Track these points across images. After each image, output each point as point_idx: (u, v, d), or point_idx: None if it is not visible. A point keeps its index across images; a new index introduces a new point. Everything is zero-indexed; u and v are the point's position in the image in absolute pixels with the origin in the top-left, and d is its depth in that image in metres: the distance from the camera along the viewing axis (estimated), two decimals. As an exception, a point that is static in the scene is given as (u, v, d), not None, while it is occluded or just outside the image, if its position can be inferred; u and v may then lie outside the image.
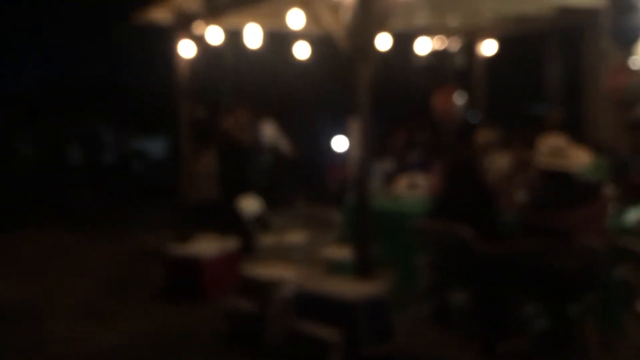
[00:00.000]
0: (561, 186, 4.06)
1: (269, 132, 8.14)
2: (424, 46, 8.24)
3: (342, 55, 4.84)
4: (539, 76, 9.80)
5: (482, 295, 4.38)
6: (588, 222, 3.92)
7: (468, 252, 4.26)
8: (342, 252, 5.30)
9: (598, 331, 4.07)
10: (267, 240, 5.98)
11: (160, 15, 6.94)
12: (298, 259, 5.71)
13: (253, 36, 6.80)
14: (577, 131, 7.76)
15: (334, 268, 5.41)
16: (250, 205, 6.13)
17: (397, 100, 9.20)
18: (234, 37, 7.18)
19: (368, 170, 4.79)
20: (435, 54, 8.34)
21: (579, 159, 4.08)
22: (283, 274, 4.82)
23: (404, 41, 8.62)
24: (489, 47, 8.57)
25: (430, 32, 8.39)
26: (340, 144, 8.35)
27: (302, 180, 7.93)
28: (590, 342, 4.02)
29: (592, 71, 7.80)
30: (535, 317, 4.45)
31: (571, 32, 8.36)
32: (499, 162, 6.12)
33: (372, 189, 6.37)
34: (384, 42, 7.96)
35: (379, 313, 4.27)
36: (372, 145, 8.14)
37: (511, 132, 7.24)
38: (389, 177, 7.37)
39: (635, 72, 6.02)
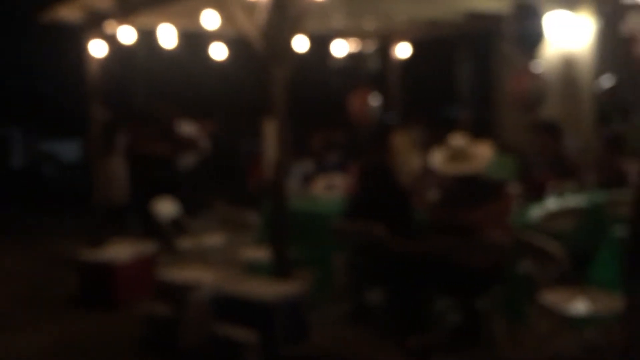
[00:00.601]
0: (467, 185, 4.23)
1: (189, 130, 8.04)
2: (340, 48, 8.36)
3: (257, 56, 4.85)
4: (452, 79, 10.14)
5: (396, 292, 4.49)
6: (493, 219, 4.09)
7: (383, 250, 4.37)
8: (260, 254, 5.31)
9: (504, 323, 4.26)
10: (183, 243, 5.91)
11: (69, 13, 6.72)
12: (216, 261, 5.68)
13: (167, 36, 6.70)
14: (486, 132, 8.09)
15: (252, 269, 5.41)
16: (165, 208, 6.03)
17: (315, 102, 9.28)
18: (147, 37, 7.05)
19: (285, 171, 4.82)
20: (351, 56, 8.48)
21: (480, 158, 4.26)
22: (200, 277, 4.77)
23: (320, 43, 8.72)
24: (403, 50, 8.80)
25: (346, 34, 8.53)
26: (259, 145, 8.34)
27: (221, 181, 7.87)
28: (497, 333, 4.20)
29: (499, 75, 8.14)
30: (447, 312, 4.62)
31: (480, 37, 8.70)
32: (413, 163, 6.30)
33: (290, 190, 6.43)
34: (300, 43, 8.03)
35: (296, 313, 4.30)
36: (289, 147, 8.18)
37: (425, 133, 7.47)
38: (307, 178, 7.43)
39: (537, 76, 6.33)
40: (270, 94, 4.79)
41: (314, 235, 5.44)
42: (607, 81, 7.19)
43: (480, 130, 7.69)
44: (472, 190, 4.24)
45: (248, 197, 6.66)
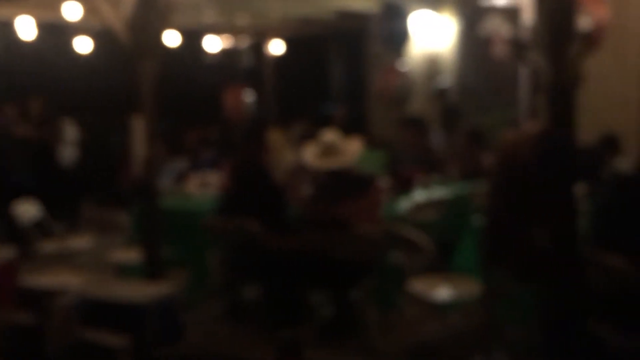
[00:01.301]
0: (337, 180, 4.32)
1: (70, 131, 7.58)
2: (213, 44, 8.25)
3: (124, 50, 4.68)
4: (325, 76, 10.31)
5: (271, 288, 4.50)
6: (364, 213, 4.20)
7: (257, 246, 4.35)
8: (131, 255, 5.13)
9: (377, 312, 4.40)
10: (47, 247, 5.59)
11: None
12: (83, 265, 5.42)
13: (26, 28, 6.30)
14: (358, 128, 8.31)
15: (123, 272, 5.22)
16: (27, 210, 5.67)
17: (189, 98, 9.09)
18: (4, 28, 6.59)
19: (155, 169, 4.69)
20: (224, 53, 8.39)
21: (350, 152, 4.37)
22: (64, 282, 4.53)
23: (193, 38, 8.56)
24: (276, 47, 8.84)
25: (218, 30, 8.43)
26: (128, 142, 8.04)
27: (89, 181, 7.50)
28: (370, 323, 4.33)
29: (369, 73, 8.40)
30: (322, 305, 4.69)
31: (351, 35, 8.91)
32: (288, 159, 6.34)
33: (162, 189, 6.26)
34: (170, 38, 7.84)
35: (170, 314, 4.19)
36: (159, 144, 7.96)
37: (299, 129, 7.54)
38: (181, 176, 7.27)
39: (403, 74, 6.58)
40: (139, 89, 4.63)
41: (188, 234, 5.33)
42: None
43: (353, 126, 7.88)
44: (343, 184, 4.34)
45: (118, 197, 6.41)
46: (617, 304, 2.73)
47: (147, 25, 4.61)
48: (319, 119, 7.65)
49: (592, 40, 5.22)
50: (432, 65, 7.61)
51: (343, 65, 10.11)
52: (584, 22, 5.10)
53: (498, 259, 3.06)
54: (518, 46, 6.30)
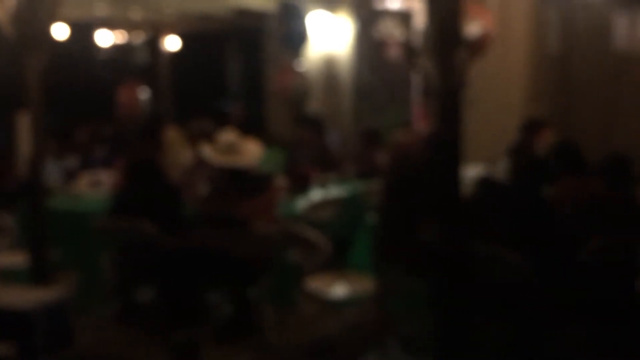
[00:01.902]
0: (235, 179, 4.31)
1: None
2: (105, 38, 7.97)
3: (8, 43, 4.44)
4: (223, 74, 10.23)
5: (167, 289, 4.43)
6: (261, 211, 4.22)
7: (151, 247, 4.27)
8: (16, 259, 4.87)
9: (274, 310, 4.43)
10: None
11: None
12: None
13: None
14: (257, 126, 8.30)
15: (8, 277, 4.95)
16: None
17: (80, 94, 8.73)
18: None
19: (41, 168, 4.48)
20: (118, 48, 8.13)
21: (250, 152, 4.37)
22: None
23: (85, 32, 8.23)
24: (172, 43, 8.66)
25: (112, 24, 8.15)
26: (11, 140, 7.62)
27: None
28: (267, 321, 4.35)
29: (268, 71, 8.41)
30: (219, 304, 4.66)
31: (249, 33, 8.89)
32: (185, 157, 6.24)
33: (51, 188, 5.98)
34: (59, 31, 7.51)
35: (58, 319, 4.03)
36: (49, 141, 7.59)
37: (196, 127, 7.42)
38: (71, 175, 6.98)
39: (300, 74, 6.64)
40: (24, 84, 4.41)
41: (79, 236, 5.14)
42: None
43: (251, 124, 7.87)
44: (241, 183, 4.33)
45: (1, 198, 6.05)
46: (499, 296, 2.90)
47: (33, 18, 4.40)
48: (217, 116, 7.56)
49: (478, 46, 5.49)
50: (329, 66, 7.73)
51: (241, 63, 10.07)
52: (471, 29, 5.35)
53: (390, 256, 3.18)
54: (409, 50, 6.53)
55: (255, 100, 8.71)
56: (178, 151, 6.37)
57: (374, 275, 3.78)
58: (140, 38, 8.27)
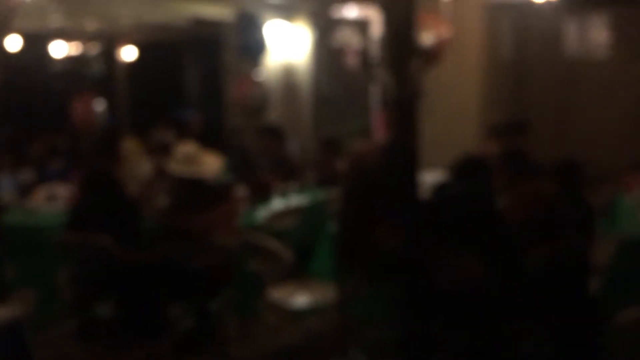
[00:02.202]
0: (193, 190, 4.28)
1: None
2: (59, 50, 7.84)
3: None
4: (182, 83, 10.16)
5: (126, 303, 4.36)
6: (221, 222, 4.20)
7: (110, 261, 4.20)
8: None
9: (236, 322, 4.40)
10: None
11: None
12: None
13: None
14: (216, 136, 8.26)
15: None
16: None
17: (35, 106, 8.56)
18: None
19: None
20: (73, 59, 8.00)
21: (209, 164, 4.35)
22: None
23: (39, 43, 8.09)
24: (129, 53, 8.56)
25: (66, 35, 8.03)
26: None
27: None
28: (229, 333, 4.32)
29: (226, 81, 8.39)
30: (181, 318, 4.61)
31: (208, 43, 8.85)
32: (144, 168, 6.17)
33: (4, 203, 5.85)
34: (12, 42, 7.36)
35: (13, 338, 3.92)
36: (1, 155, 7.39)
37: (155, 138, 7.36)
38: (26, 189, 6.83)
39: (258, 83, 6.64)
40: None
41: (35, 251, 5.03)
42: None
43: (210, 133, 7.83)
44: (199, 194, 4.30)
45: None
46: (457, 301, 2.94)
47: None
48: (176, 126, 7.50)
49: (433, 55, 5.58)
50: (288, 75, 7.75)
51: (199, 73, 10.02)
52: (426, 38, 5.43)
53: (350, 262, 3.20)
54: (367, 59, 6.59)
55: (215, 110, 8.67)
56: (136, 163, 6.29)
57: (335, 282, 3.79)
58: (95, 49, 8.15)
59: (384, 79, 3.29)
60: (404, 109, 3.29)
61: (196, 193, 4.31)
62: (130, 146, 6.74)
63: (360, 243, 3.06)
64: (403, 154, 3.19)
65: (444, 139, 6.47)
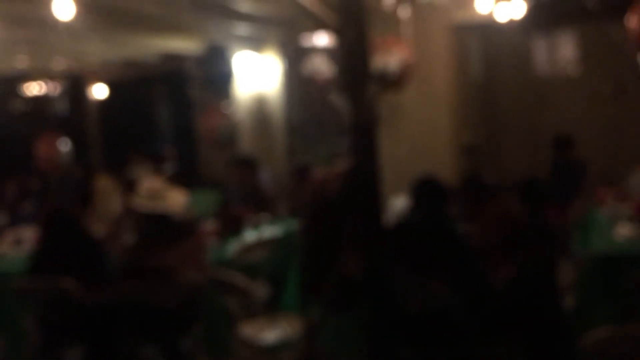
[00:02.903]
0: (158, 226, 4.18)
1: None
2: (27, 90, 7.79)
3: None
4: (152, 118, 10.12)
5: (94, 347, 4.23)
6: (187, 258, 4.09)
7: (73, 304, 4.07)
8: None
9: (210, 359, 4.28)
10: None
11: None
12: None
13: None
14: (188, 168, 8.19)
15: None
16: None
17: (5, 148, 8.45)
18: None
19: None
20: (36, 99, 7.93)
21: (175, 199, 4.26)
22: None
23: (7, 85, 8.02)
24: (98, 91, 8.52)
25: (31, 76, 7.98)
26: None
27: None
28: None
29: (194, 114, 8.35)
30: (152, 359, 4.48)
31: (177, 76, 8.83)
32: (114, 206, 6.06)
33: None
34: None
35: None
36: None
37: (128, 174, 7.26)
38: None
39: (226, 115, 6.59)
40: None
41: (1, 298, 4.89)
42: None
43: (184, 167, 7.76)
44: (165, 230, 4.20)
45: None
46: (424, 325, 2.87)
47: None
48: (151, 160, 7.41)
49: (399, 79, 5.57)
50: (260, 105, 7.72)
51: (170, 107, 9.99)
52: (389, 63, 5.43)
53: (315, 291, 3.11)
54: (329, 86, 6.58)
55: (186, 144, 8.61)
56: (109, 200, 6.18)
57: (302, 313, 3.70)
58: (58, 88, 8.08)
59: (341, 104, 3.24)
60: (362, 134, 3.24)
61: (161, 228, 4.21)
62: (103, 184, 6.63)
63: (323, 271, 2.98)
64: (364, 179, 3.13)
65: (416, 162, 6.44)
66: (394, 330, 2.95)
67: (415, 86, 6.16)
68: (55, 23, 5.23)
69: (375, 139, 3.25)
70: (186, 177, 7.42)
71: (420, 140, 6.67)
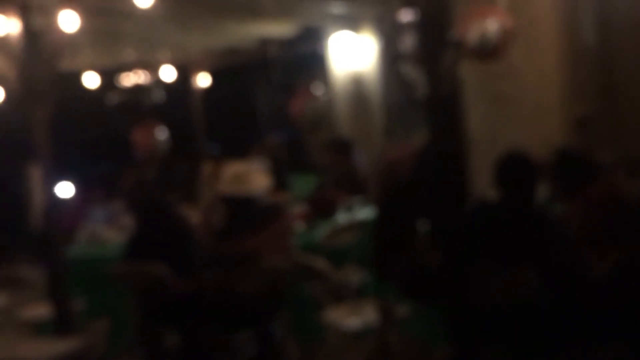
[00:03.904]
0: (242, 210, 4.15)
1: None
2: (131, 81, 8.14)
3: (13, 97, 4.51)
4: (254, 105, 10.24)
5: (187, 332, 4.29)
6: (270, 243, 4.04)
7: (164, 291, 4.15)
8: (41, 311, 4.86)
9: (297, 345, 4.22)
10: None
11: None
12: (0, 326, 5.13)
13: None
14: (295, 154, 8.18)
15: (37, 329, 4.95)
16: None
17: (120, 139, 8.86)
18: None
19: (53, 219, 4.47)
20: (134, 89, 8.23)
21: (257, 182, 4.21)
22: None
23: (114, 77, 8.39)
24: (202, 80, 8.75)
25: (135, 66, 8.28)
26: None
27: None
28: (291, 356, 4.16)
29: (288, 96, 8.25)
30: (244, 344, 4.49)
31: (276, 61, 8.83)
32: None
33: (84, 236, 6.00)
34: (89, 80, 7.69)
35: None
36: (95, 188, 7.61)
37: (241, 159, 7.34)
38: (114, 220, 7.01)
39: (314, 97, 6.46)
40: (32, 136, 4.44)
41: (105, 283, 5.10)
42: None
43: (289, 152, 7.75)
44: (249, 216, 4.17)
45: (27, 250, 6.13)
46: (509, 322, 2.60)
47: (35, 70, 4.44)
48: (252, 148, 7.47)
49: (498, 47, 5.20)
50: (356, 86, 7.54)
51: (270, 93, 10.04)
52: (486, 30, 5.08)
53: (387, 278, 2.92)
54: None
55: (289, 128, 8.61)
56: (212, 188, 6.29)
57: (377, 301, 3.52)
58: (166, 78, 8.33)
59: (415, 76, 3.02)
60: (440, 107, 3.00)
61: (245, 213, 4.18)
62: (212, 170, 6.78)
63: (395, 257, 2.78)
64: (441, 157, 2.90)
65: (523, 139, 6.00)
66: (475, 321, 2.72)
67: (517, 55, 5.72)
68: (156, 15, 5.39)
69: (455, 113, 3.00)
70: (291, 162, 7.43)
71: (524, 114, 6.20)
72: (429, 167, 2.84)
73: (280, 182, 5.46)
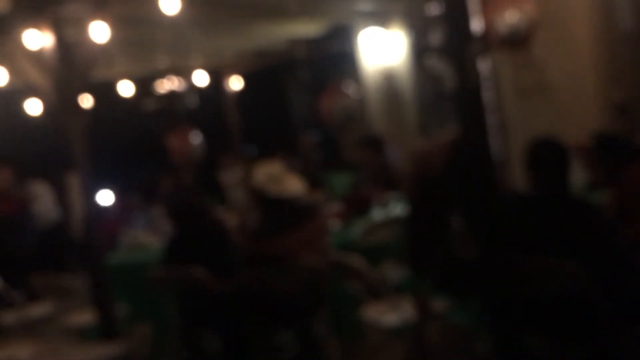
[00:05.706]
0: (276, 211, 4.17)
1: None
2: (159, 88, 8.25)
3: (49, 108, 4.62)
4: (288, 105, 10.27)
5: (228, 334, 4.34)
6: (307, 243, 4.04)
7: (205, 292, 4.19)
8: (86, 317, 4.97)
9: (338, 343, 4.22)
10: (8, 317, 5.42)
11: None
12: (46, 333, 5.26)
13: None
14: (330, 153, 8.18)
15: (84, 335, 5.07)
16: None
17: (158, 145, 9.00)
18: None
19: (94, 226, 4.56)
20: (170, 95, 8.34)
21: (292, 183, 4.22)
22: (14, 354, 4.36)
23: (148, 85, 8.52)
24: (235, 83, 8.81)
25: (165, 73, 8.39)
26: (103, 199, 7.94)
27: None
28: (333, 355, 4.16)
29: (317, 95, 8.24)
30: (285, 344, 4.51)
31: (307, 61, 8.85)
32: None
33: (129, 241, 6.10)
34: (124, 88, 7.82)
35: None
36: (133, 194, 7.73)
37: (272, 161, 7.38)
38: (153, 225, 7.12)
39: (344, 94, 6.43)
40: (68, 147, 4.54)
41: (145, 287, 5.18)
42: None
43: (324, 151, 7.76)
44: (284, 216, 4.18)
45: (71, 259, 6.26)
46: (556, 313, 2.55)
47: (70, 81, 4.54)
48: (288, 149, 7.50)
49: (525, 36, 5.11)
50: (388, 82, 7.49)
51: (302, 93, 10.06)
52: (511, 19, 5.00)
53: (421, 272, 2.89)
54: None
55: (321, 126, 8.61)
56: (248, 189, 6.33)
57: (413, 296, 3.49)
58: (200, 83, 8.43)
59: (441, 69, 2.98)
60: (469, 99, 2.96)
61: (282, 212, 4.20)
62: (247, 173, 6.82)
63: (430, 251, 2.75)
64: (472, 149, 2.86)
65: (561, 128, 5.88)
66: (517, 313, 2.67)
67: (550, 42, 5.61)
68: (184, 22, 5.46)
69: (482, 105, 2.95)
70: (327, 161, 7.43)
71: (561, 102, 6.08)
72: (461, 160, 2.80)
73: (314, 181, 5.47)
